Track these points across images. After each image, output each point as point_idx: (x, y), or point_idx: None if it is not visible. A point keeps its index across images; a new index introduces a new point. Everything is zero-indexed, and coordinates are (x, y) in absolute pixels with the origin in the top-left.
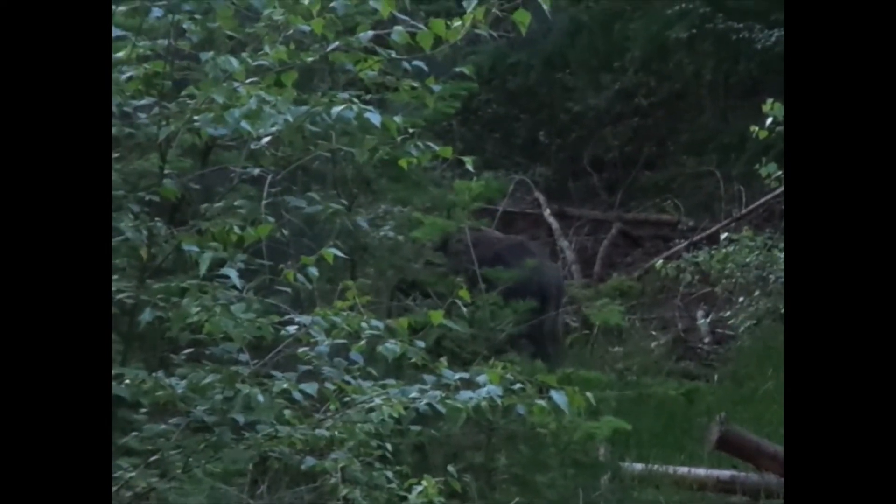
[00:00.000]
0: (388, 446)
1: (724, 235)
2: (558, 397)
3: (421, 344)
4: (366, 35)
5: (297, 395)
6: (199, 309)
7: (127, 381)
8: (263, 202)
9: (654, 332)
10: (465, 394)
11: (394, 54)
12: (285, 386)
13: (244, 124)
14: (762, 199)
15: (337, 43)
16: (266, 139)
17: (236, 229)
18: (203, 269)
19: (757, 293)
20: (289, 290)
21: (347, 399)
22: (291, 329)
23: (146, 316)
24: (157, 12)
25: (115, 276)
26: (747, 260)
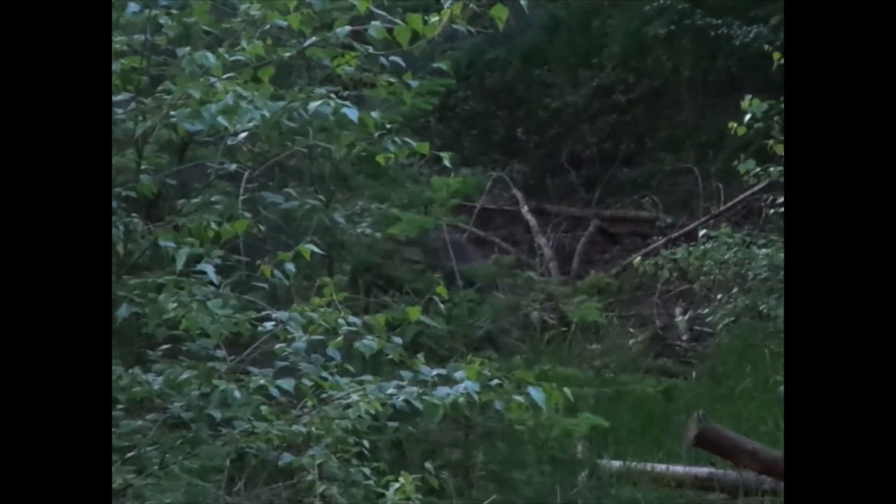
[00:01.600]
0: (366, 443)
1: (702, 232)
2: (536, 394)
3: (398, 340)
4: (343, 30)
5: (273, 392)
6: (175, 305)
7: None
8: (240, 198)
9: (631, 330)
10: (443, 390)
11: (371, 50)
12: (262, 382)
13: (221, 119)
14: (741, 196)
15: (314, 38)
16: (243, 135)
17: (213, 225)
18: (180, 265)
19: (735, 290)
20: (266, 286)
21: (324, 395)
22: (268, 325)
23: (123, 312)
24: (133, 7)
25: None
26: (726, 257)
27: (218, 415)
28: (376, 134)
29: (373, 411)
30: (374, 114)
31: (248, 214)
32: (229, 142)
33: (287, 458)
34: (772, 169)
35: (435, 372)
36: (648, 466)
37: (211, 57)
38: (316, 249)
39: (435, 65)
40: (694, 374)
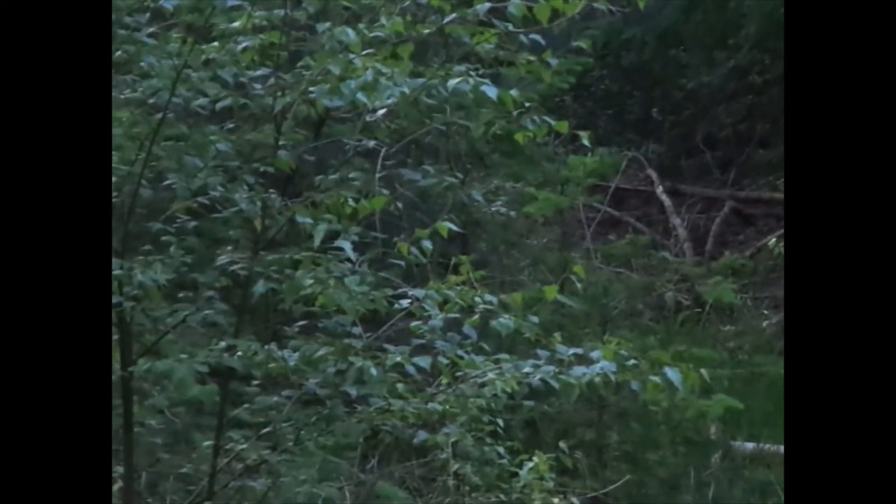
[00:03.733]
0: (500, 422)
1: None
2: (672, 374)
3: (535, 319)
4: (482, 7)
5: (409, 369)
6: (312, 281)
7: (239, 353)
8: (377, 175)
9: (765, 311)
10: (579, 370)
11: (510, 27)
12: (398, 359)
13: (360, 96)
14: None
15: (454, 15)
16: (381, 112)
17: (350, 201)
18: (317, 242)
19: None
20: (402, 263)
21: (460, 374)
22: (404, 303)
23: (259, 288)
24: None
25: (228, 248)
26: None
27: (353, 392)
28: (514, 112)
29: (508, 390)
30: (513, 92)
31: (385, 191)
32: (367, 118)
33: (422, 436)
34: None
35: (571, 351)
36: (782, 449)
37: (350, 33)
38: (452, 227)
39: (574, 43)
40: None
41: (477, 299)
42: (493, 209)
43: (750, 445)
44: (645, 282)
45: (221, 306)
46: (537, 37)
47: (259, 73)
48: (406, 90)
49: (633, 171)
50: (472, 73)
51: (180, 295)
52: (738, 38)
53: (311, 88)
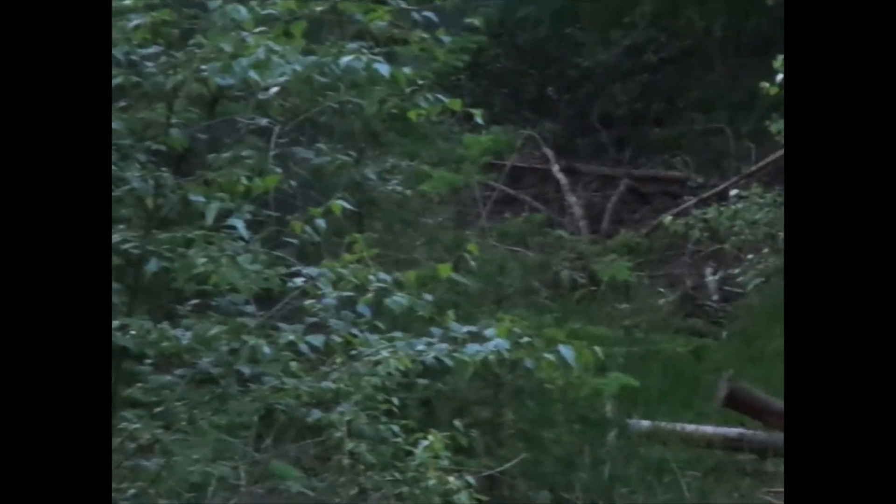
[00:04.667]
0: (395, 400)
1: (733, 192)
2: (566, 352)
3: (429, 297)
4: None
5: (303, 348)
6: (205, 260)
7: (132, 332)
8: (271, 153)
9: (662, 289)
10: (473, 347)
11: (403, 4)
12: (292, 338)
13: (252, 74)
14: (772, 156)
15: None
16: (274, 90)
17: (243, 180)
18: (210, 220)
19: (766, 250)
20: (296, 242)
21: (354, 352)
22: (298, 281)
23: (152, 266)
24: None
25: (121, 226)
26: (756, 217)
27: (247, 370)
28: (408, 90)
29: (402, 368)
30: (406, 70)
31: (278, 170)
32: (260, 97)
33: (316, 414)
34: None
35: (465, 329)
36: (678, 426)
37: (243, 10)
38: (346, 205)
39: (467, 20)
40: (724, 334)
41: (371, 277)
42: (389, 188)
43: (646, 423)
44: (540, 260)
45: (114, 285)
46: (431, 14)
47: (151, 50)
48: (298, 68)
49: (529, 150)
50: (366, 50)
51: None
52: (633, 16)
53: (203, 66)
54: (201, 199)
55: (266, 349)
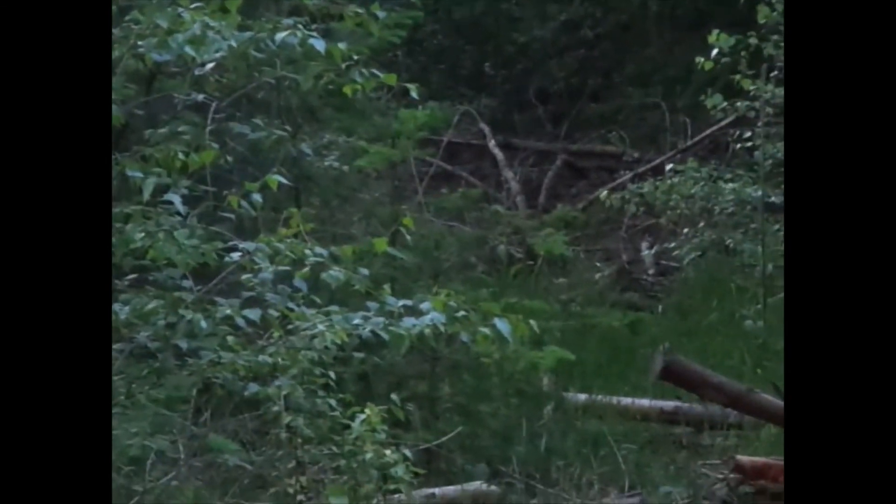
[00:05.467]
0: (332, 374)
1: (669, 167)
2: (502, 325)
3: (365, 272)
4: None
5: (240, 322)
6: (142, 234)
7: None
8: (207, 129)
9: (598, 263)
10: (409, 321)
11: None
12: (228, 312)
13: (188, 49)
14: (707, 131)
15: None
16: (210, 65)
17: (180, 155)
18: (146, 195)
19: (702, 224)
20: (233, 217)
21: (291, 326)
22: (235, 256)
23: None
24: None
25: None
26: (692, 191)
27: (184, 345)
28: (343, 65)
29: (339, 342)
30: (342, 45)
31: (215, 145)
32: (196, 73)
33: (253, 388)
34: (738, 104)
35: (401, 303)
36: (614, 400)
37: None
38: (283, 180)
39: None
40: (660, 307)
41: (307, 252)
42: (326, 163)
43: (582, 396)
44: (477, 235)
45: None
46: None
47: None
48: (234, 44)
49: (466, 126)
50: (301, 26)
51: None
52: None
53: (139, 42)
54: (138, 174)
55: (203, 324)
